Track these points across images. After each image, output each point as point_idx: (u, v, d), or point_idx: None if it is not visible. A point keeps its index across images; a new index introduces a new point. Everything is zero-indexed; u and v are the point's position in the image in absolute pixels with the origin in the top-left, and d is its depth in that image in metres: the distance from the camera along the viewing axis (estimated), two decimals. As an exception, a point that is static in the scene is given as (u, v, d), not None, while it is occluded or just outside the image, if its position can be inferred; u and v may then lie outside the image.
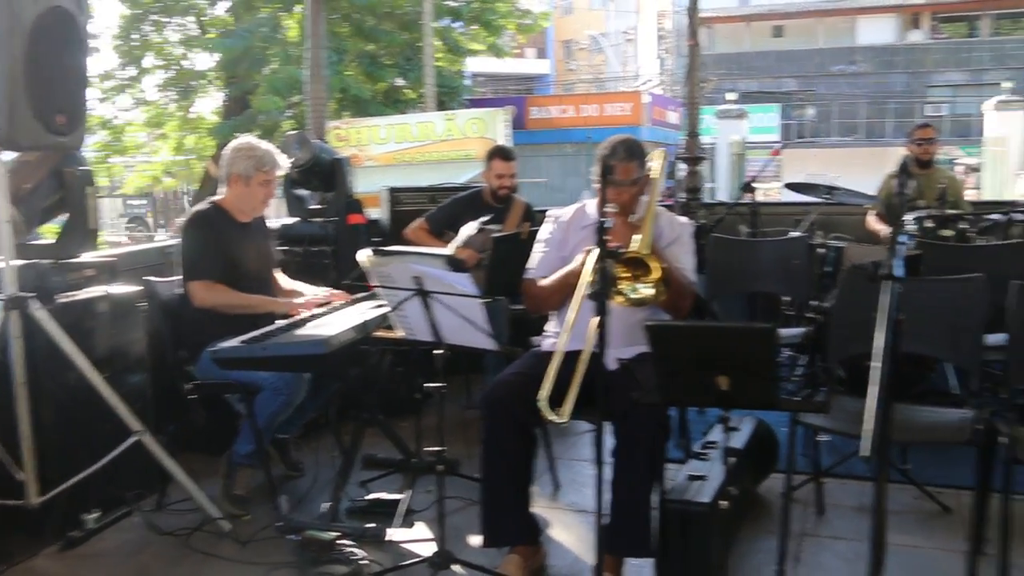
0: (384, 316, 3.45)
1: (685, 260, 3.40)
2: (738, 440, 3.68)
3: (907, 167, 2.47)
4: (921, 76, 30.23)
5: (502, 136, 14.89)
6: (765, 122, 27.63)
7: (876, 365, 1.89)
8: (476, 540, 3.36)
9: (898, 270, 1.98)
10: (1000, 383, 4.01)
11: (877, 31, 32.52)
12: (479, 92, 26.68)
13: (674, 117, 20.97)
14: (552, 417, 2.76)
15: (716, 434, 3.71)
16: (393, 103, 19.40)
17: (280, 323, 3.60)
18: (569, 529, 3.71)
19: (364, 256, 2.98)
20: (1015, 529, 2.90)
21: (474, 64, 23.71)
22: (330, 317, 3.71)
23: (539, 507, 3.65)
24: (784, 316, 5.22)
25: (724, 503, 2.71)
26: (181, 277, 3.91)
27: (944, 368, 4.63)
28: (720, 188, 16.95)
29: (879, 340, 1.92)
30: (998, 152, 16.94)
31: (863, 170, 20.97)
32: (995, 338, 3.80)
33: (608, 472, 3.03)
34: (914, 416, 3.32)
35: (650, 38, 33.80)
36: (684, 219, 3.58)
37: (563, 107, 21.55)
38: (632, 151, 3.32)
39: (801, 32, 33.30)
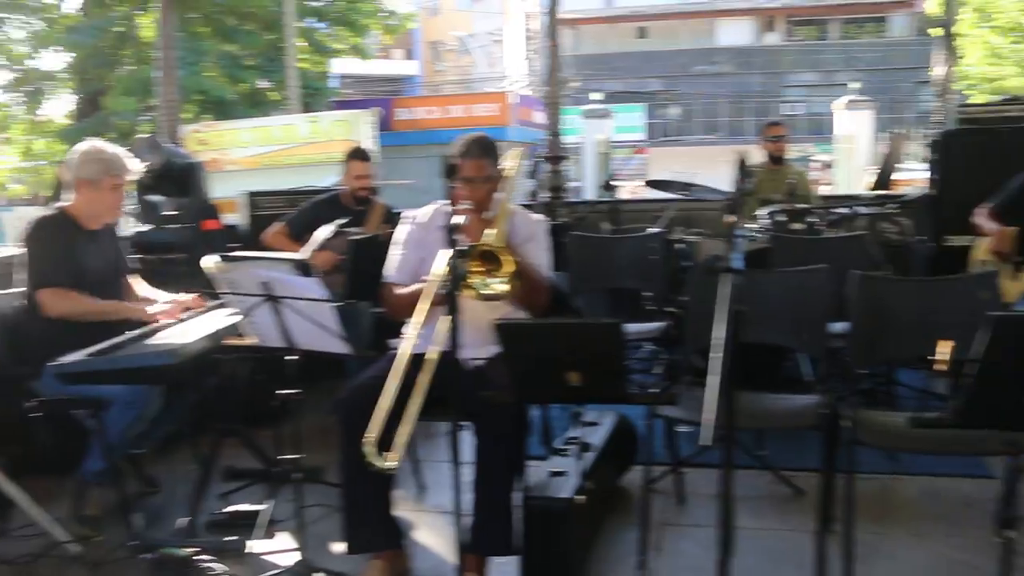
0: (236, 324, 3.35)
1: (540, 256, 3.42)
2: (598, 435, 3.73)
3: (745, 165, 2.54)
4: (777, 76, 31.44)
5: (367, 138, 14.71)
6: (631, 121, 28.21)
7: (716, 356, 1.93)
8: (340, 547, 3.30)
9: (736, 263, 2.03)
10: (846, 369, 4.20)
11: (736, 33, 33.66)
12: (346, 94, 26.34)
13: (541, 117, 20.89)
14: (380, 464, 2.72)
15: (577, 429, 3.75)
16: (257, 105, 18.95)
17: (130, 334, 3.45)
18: (435, 531, 3.68)
19: (210, 263, 2.89)
20: (859, 507, 3.02)
21: (341, 66, 23.37)
22: (181, 326, 3.58)
23: (404, 510, 3.61)
24: (645, 311, 5.33)
25: (580, 498, 2.73)
26: (23, 288, 3.71)
27: (798, 355, 4.81)
28: (587, 187, 17.17)
29: (718, 332, 1.96)
30: (848, 149, 17.71)
31: (726, 167, 21.58)
32: (841, 326, 3.97)
33: (471, 472, 3.03)
34: (765, 403, 3.43)
35: (517, 39, 34.07)
36: (539, 216, 3.60)
37: (430, 108, 21.47)
38: (484, 148, 3.32)
39: (664, 33, 34.17)
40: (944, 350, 2.24)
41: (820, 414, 3.11)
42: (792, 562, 3.31)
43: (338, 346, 2.90)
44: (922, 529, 3.63)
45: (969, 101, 12.07)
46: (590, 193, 16.42)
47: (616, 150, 21.04)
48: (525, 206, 3.84)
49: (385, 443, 2.74)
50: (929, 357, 2.29)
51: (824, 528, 3.09)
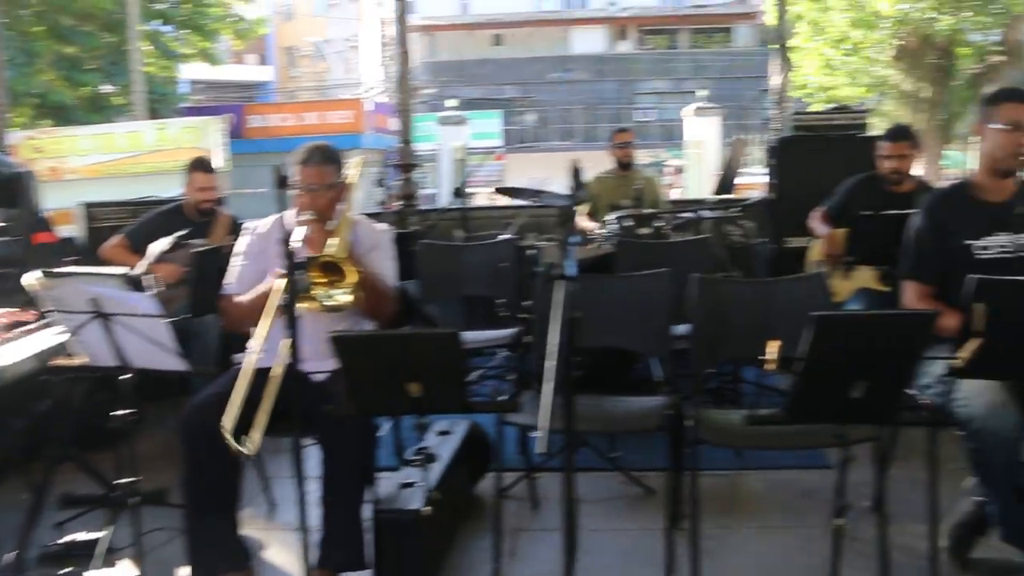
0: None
1: (385, 266, 3.38)
2: (450, 444, 3.71)
3: (579, 173, 2.57)
4: (630, 84, 32.23)
5: (217, 146, 14.31)
6: (487, 128, 28.35)
7: (550, 363, 1.94)
8: (184, 573, 3.17)
9: (570, 270, 2.04)
10: (690, 370, 4.32)
11: (590, 41, 34.33)
12: (196, 100, 25.55)
13: (396, 124, 21.00)
14: (240, 448, 2.65)
15: (430, 440, 3.72)
16: (100, 110, 18.15)
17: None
18: (285, 549, 3.58)
19: (32, 279, 2.73)
20: (707, 503, 3.11)
21: (192, 71, 22.65)
22: (2, 347, 3.37)
23: (253, 529, 3.51)
24: (499, 318, 5.35)
25: (427, 508, 2.71)
26: None
27: (650, 360, 4.91)
28: (443, 194, 17.18)
29: (553, 338, 1.97)
30: (697, 154, 18.32)
31: (584, 174, 21.98)
32: (684, 328, 4.08)
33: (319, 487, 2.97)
34: (612, 407, 3.48)
35: (373, 45, 33.80)
36: (383, 225, 3.56)
37: (283, 115, 21.09)
38: (326, 156, 3.27)
39: (520, 41, 34.53)
40: (772, 349, 2.32)
41: (665, 415, 3.18)
42: (644, 560, 3.38)
43: (174, 363, 2.79)
44: (767, 521, 3.77)
45: (806, 109, 12.65)
46: (446, 200, 16.46)
47: (473, 157, 21.12)
48: (373, 215, 3.79)
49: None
50: (760, 357, 2.37)
51: (673, 525, 3.16)
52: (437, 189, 18.00)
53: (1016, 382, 2.78)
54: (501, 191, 6.30)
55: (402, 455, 4.01)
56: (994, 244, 3.14)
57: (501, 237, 5.14)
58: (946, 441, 2.97)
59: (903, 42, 14.87)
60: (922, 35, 14.70)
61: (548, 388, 1.94)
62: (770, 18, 15.99)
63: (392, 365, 2.26)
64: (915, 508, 3.10)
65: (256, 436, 2.67)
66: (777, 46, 7.57)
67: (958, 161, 15.71)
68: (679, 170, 21.42)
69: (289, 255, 2.46)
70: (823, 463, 4.06)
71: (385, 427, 4.13)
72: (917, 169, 5.07)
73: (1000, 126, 3.11)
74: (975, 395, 2.76)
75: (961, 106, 15.52)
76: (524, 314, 4.61)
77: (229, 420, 2.65)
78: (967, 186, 3.30)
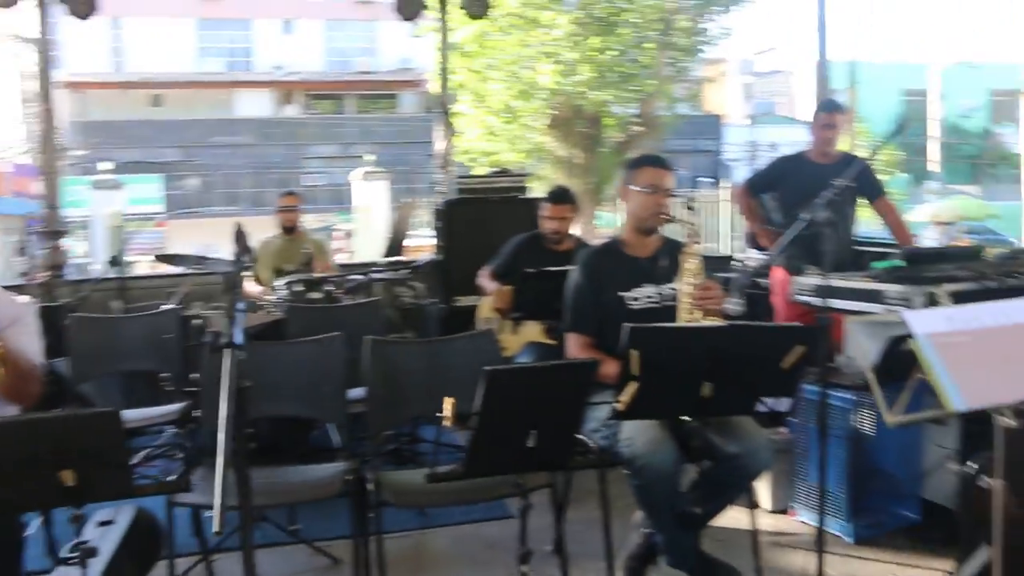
0: None
1: (27, 343, 3.05)
2: (113, 535, 3.38)
3: (242, 237, 2.49)
4: (297, 148, 32.00)
5: None
6: (147, 193, 26.96)
7: (221, 437, 1.83)
8: None
9: (237, 338, 1.95)
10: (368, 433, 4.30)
11: (255, 105, 33.80)
12: None
13: (39, 188, 19.41)
14: None
15: (88, 532, 3.37)
16: None
17: None
18: None
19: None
20: (394, 566, 3.07)
21: None
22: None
23: None
24: (165, 392, 5.03)
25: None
26: None
27: (328, 426, 4.82)
28: (97, 263, 16.02)
29: (222, 410, 1.86)
30: (366, 218, 18.53)
31: (250, 238, 21.42)
32: (360, 391, 4.05)
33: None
34: (290, 477, 3.36)
35: (12, 101, 31.09)
36: (24, 298, 3.24)
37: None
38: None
39: (181, 102, 33.27)
40: (448, 406, 2.35)
41: (346, 481, 3.12)
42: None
43: None
44: (456, 576, 3.79)
45: (470, 173, 13.22)
46: (101, 270, 15.39)
47: (131, 223, 19.96)
48: (13, 287, 3.43)
49: None
50: (438, 414, 2.39)
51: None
52: (90, 258, 16.75)
53: (672, 419, 3.01)
54: (162, 258, 5.96)
55: (56, 553, 3.60)
56: (643, 295, 3.42)
57: (164, 307, 4.85)
58: (615, 480, 3.16)
59: (557, 112, 16.00)
60: (573, 107, 15.91)
61: (220, 463, 1.82)
62: (434, 86, 16.64)
63: (40, 453, 2.01)
64: (593, 547, 3.27)
65: None
66: (441, 113, 7.82)
67: (609, 221, 17.04)
68: (349, 234, 21.52)
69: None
70: (505, 513, 4.15)
71: (34, 524, 3.70)
72: (575, 228, 5.42)
73: (641, 189, 3.41)
74: (636, 435, 2.97)
75: (609, 171, 16.89)
76: (191, 387, 4.37)
77: None
78: (617, 243, 3.59)
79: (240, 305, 2.01)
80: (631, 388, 2.51)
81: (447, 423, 2.34)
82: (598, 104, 15.97)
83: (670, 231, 3.60)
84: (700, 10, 17.76)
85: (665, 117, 17.76)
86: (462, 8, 7.62)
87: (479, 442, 2.37)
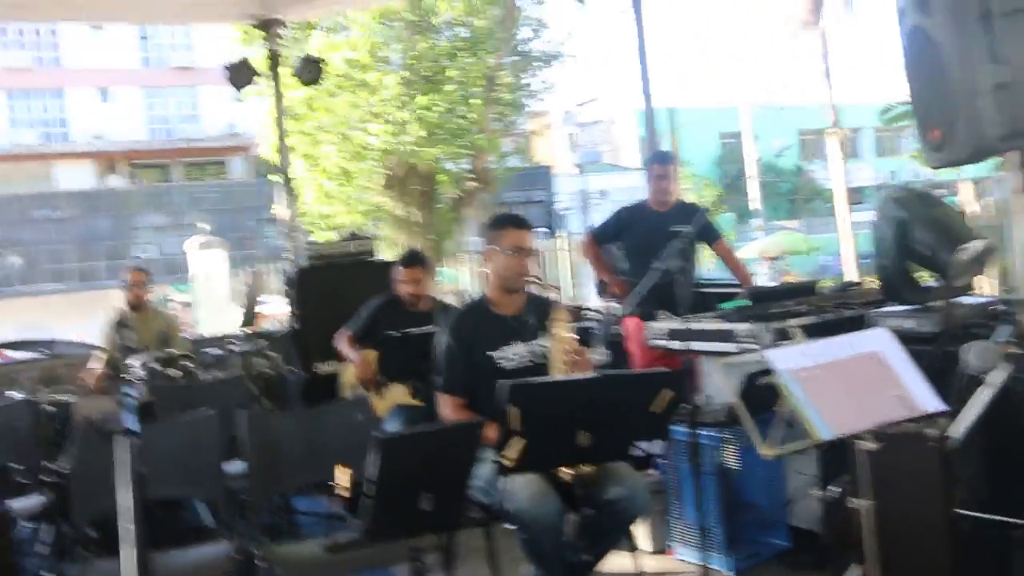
0: None
1: None
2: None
3: (124, 319, 2.48)
4: (125, 218, 30.82)
5: None
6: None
7: (128, 526, 1.83)
8: None
9: (132, 424, 1.95)
10: (247, 508, 4.23)
11: (76, 176, 32.42)
12: None
13: None
14: None
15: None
16: None
17: None
18: None
19: None
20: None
21: None
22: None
23: None
24: (17, 486, 4.79)
25: None
26: None
27: (195, 503, 4.69)
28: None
29: (124, 499, 1.86)
30: (206, 288, 18.04)
31: (80, 315, 20.47)
32: (235, 466, 4.00)
33: None
34: (176, 561, 3.30)
35: None
36: None
37: None
38: None
39: (-5, 177, 31.61)
40: (343, 476, 2.39)
41: (233, 560, 3.09)
42: None
43: None
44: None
45: (313, 238, 13.14)
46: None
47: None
48: None
49: None
50: (330, 483, 2.42)
51: None
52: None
53: (553, 471, 3.12)
54: (5, 346, 5.69)
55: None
56: (514, 354, 3.52)
57: (15, 396, 4.64)
58: (500, 536, 3.23)
59: (391, 171, 16.11)
60: (407, 165, 16.05)
61: (129, 553, 1.82)
62: (264, 151, 16.46)
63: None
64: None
65: None
66: (281, 179, 7.80)
67: (451, 276, 17.21)
68: (186, 305, 20.86)
69: None
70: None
71: None
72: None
73: (504, 251, 3.53)
74: (519, 488, 3.06)
75: (447, 227, 17.10)
76: (50, 477, 4.20)
77: None
78: (484, 302, 3.68)
79: (131, 392, 2.02)
80: (518, 444, 2.62)
81: (343, 492, 2.37)
82: (431, 161, 16.19)
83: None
84: (521, 66, 18.36)
85: (497, 171, 18.14)
86: (294, 75, 7.67)
87: (376, 508, 2.42)
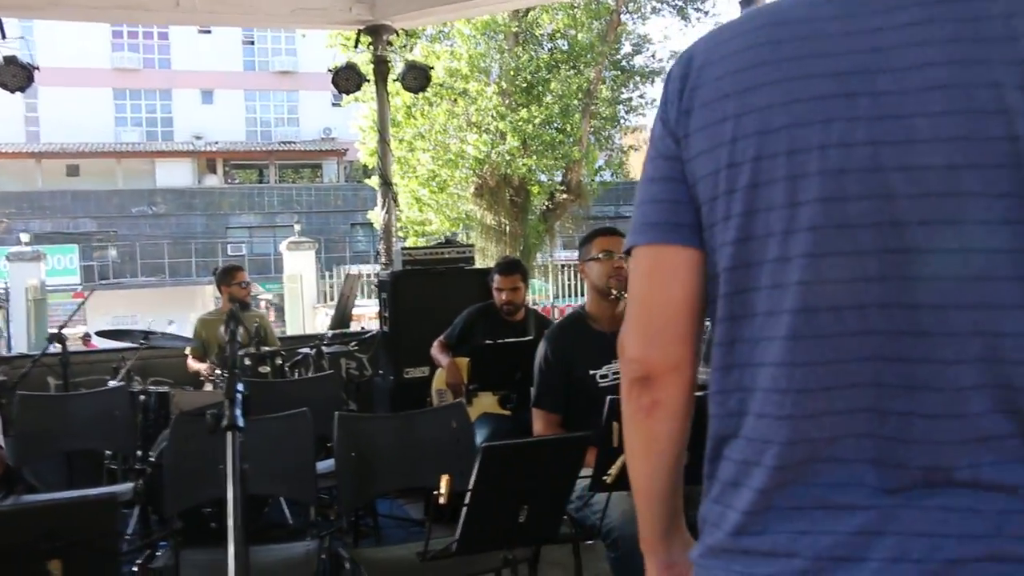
0: None
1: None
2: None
3: (237, 314, 2.47)
4: (219, 218, 31.59)
5: None
6: (64, 264, 26.29)
7: (231, 523, 1.80)
8: None
9: (239, 420, 1.92)
10: (330, 507, 4.22)
11: (175, 175, 33.36)
12: None
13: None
14: None
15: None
16: None
17: None
18: None
19: None
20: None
21: None
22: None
23: None
24: (109, 472, 4.87)
25: None
26: None
27: (280, 500, 4.71)
28: (19, 337, 15.41)
29: (230, 492, 1.83)
30: (295, 288, 18.33)
31: (171, 309, 20.99)
32: (323, 465, 3.99)
33: None
34: (264, 557, 3.28)
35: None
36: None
37: None
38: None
39: (98, 172, 32.68)
40: (443, 483, 2.33)
41: (321, 560, 3.06)
42: None
43: None
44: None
45: (406, 244, 13.25)
46: (23, 344, 14.85)
47: (52, 295, 19.35)
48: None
49: None
50: (435, 492, 2.36)
51: None
52: (7, 334, 16.14)
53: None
54: (104, 334, 5.80)
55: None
56: (611, 372, 3.44)
57: (112, 383, 4.72)
58: (583, 552, 3.16)
59: (483, 180, 16.19)
60: (500, 175, 16.12)
61: (231, 550, 1.78)
62: (361, 156, 16.68)
63: (32, 540, 1.94)
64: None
65: None
66: (383, 185, 7.84)
67: (540, 288, 17.19)
68: (268, 304, 21.22)
69: None
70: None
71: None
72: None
73: (596, 256, 3.48)
74: (612, 507, 2.96)
75: (537, 238, 17.12)
76: (143, 466, 4.25)
77: None
78: (582, 317, 3.61)
79: (239, 387, 1.99)
80: (619, 461, 2.53)
81: (443, 500, 2.31)
82: (524, 172, 16.22)
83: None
84: (621, 81, 18.26)
85: (590, 184, 18.10)
86: (397, 80, 7.69)
87: (473, 518, 2.35)
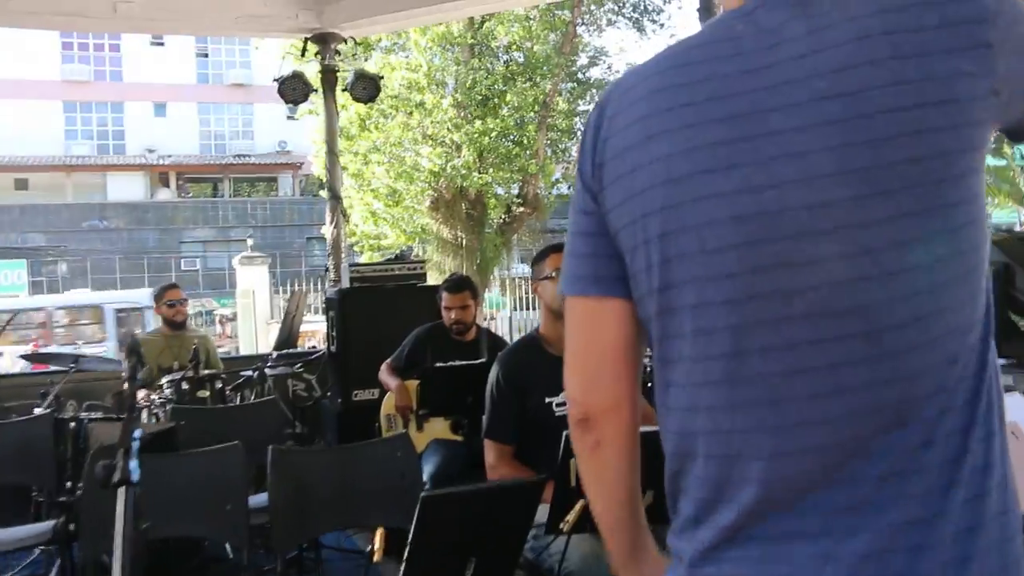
0: None
1: None
2: None
3: (136, 347, 2.21)
4: (172, 232, 31.04)
5: None
6: (12, 279, 25.63)
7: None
8: None
9: (134, 474, 1.66)
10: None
11: (127, 188, 32.76)
12: None
13: None
14: None
15: None
16: None
17: None
18: None
19: None
20: None
21: None
22: None
23: None
24: (37, 505, 4.55)
25: None
26: None
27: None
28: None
29: (118, 557, 1.58)
30: (247, 304, 17.91)
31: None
32: (258, 499, 3.71)
33: None
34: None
35: None
36: None
37: None
38: None
39: (48, 186, 32.02)
40: (377, 538, 2.09)
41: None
42: None
43: None
44: None
45: (359, 260, 12.95)
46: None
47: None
48: None
49: None
50: (369, 548, 2.12)
51: None
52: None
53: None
54: (32, 358, 5.47)
55: None
56: None
57: (37, 411, 4.40)
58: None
59: (439, 193, 15.95)
60: (456, 188, 15.88)
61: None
62: (316, 169, 16.38)
63: None
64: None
65: None
66: (331, 198, 7.55)
67: (495, 302, 16.94)
68: (229, 319, 20.81)
69: None
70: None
71: None
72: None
73: (550, 275, 3.25)
74: (572, 549, 2.74)
75: (494, 251, 16.89)
76: (67, 499, 3.95)
77: None
78: (536, 340, 3.37)
79: (136, 433, 1.73)
80: (579, 505, 2.30)
81: (376, 556, 2.07)
82: (480, 185, 16.01)
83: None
84: (578, 93, 18.15)
85: (547, 197, 17.94)
86: (345, 90, 7.42)
87: (413, 571, 2.11)
